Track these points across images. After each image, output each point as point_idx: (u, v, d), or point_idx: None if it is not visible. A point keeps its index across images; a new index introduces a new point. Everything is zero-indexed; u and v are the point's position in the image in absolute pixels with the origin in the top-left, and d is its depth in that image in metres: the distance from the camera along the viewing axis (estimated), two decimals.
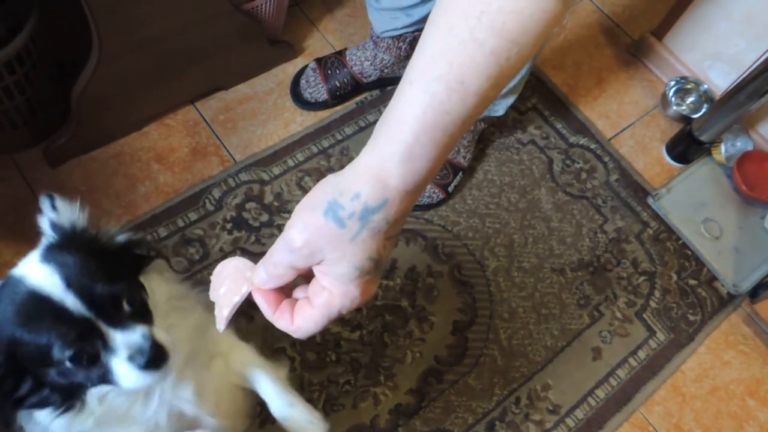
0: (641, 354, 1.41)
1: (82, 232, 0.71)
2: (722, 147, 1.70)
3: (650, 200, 1.62)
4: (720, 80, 1.75)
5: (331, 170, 1.52)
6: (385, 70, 1.56)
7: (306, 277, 0.51)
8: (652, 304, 1.48)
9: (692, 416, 1.36)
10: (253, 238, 1.39)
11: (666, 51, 1.81)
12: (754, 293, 1.52)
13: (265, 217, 1.42)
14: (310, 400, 1.21)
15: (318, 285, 0.49)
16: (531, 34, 0.44)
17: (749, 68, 1.48)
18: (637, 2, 1.96)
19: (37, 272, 0.64)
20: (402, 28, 1.43)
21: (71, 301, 0.62)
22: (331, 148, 1.56)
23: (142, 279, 0.73)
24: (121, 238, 0.74)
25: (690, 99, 1.78)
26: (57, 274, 0.63)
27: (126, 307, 0.66)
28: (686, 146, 1.69)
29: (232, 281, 0.56)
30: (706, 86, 1.76)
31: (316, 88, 1.56)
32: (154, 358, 0.64)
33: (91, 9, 1.14)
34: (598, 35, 1.88)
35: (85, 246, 0.68)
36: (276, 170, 1.49)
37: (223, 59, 1.48)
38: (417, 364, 1.32)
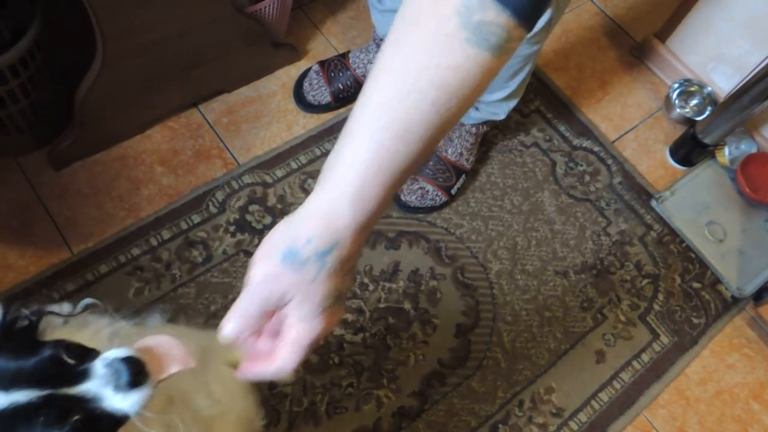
0: (645, 357, 1.41)
1: None
2: (726, 150, 1.70)
3: (654, 203, 1.62)
4: (723, 83, 1.75)
5: None
6: None
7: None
8: (656, 307, 1.48)
9: (696, 419, 1.35)
10: (256, 241, 1.39)
11: (669, 53, 1.80)
12: (758, 296, 1.51)
13: (268, 220, 1.43)
14: (312, 403, 1.21)
15: (286, 324, 0.52)
16: (469, 86, 0.47)
17: (753, 71, 1.48)
18: (640, 4, 1.96)
19: None
20: None
21: (23, 395, 0.51)
22: None
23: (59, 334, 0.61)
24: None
25: (693, 101, 1.78)
26: None
27: (69, 360, 0.56)
28: (690, 149, 1.69)
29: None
30: (709, 89, 1.76)
31: (319, 91, 1.57)
32: (134, 371, 0.55)
33: (94, 12, 1.14)
34: (600, 38, 1.88)
35: None
36: (279, 173, 1.49)
37: (226, 62, 1.48)
38: (420, 366, 1.32)
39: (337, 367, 1.30)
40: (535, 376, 1.35)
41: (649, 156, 1.73)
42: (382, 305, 1.37)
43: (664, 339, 1.44)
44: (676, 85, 1.79)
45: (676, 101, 1.77)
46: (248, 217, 1.42)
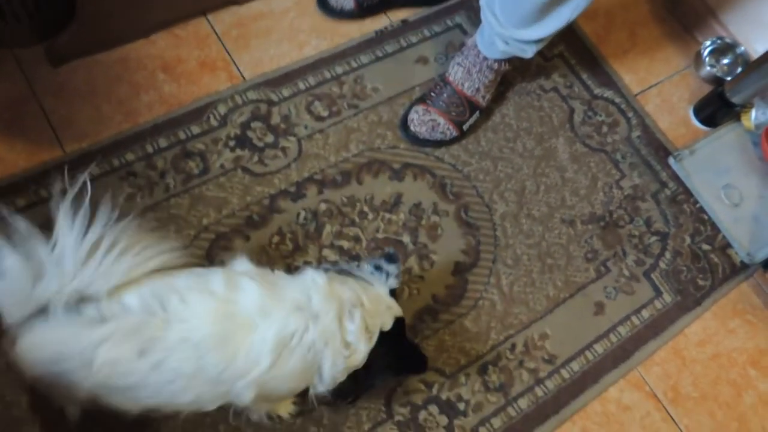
0: (645, 313, 1.37)
1: None
2: (753, 113, 1.62)
3: (671, 160, 1.56)
4: (759, 44, 1.66)
5: (342, 98, 1.45)
6: None
7: None
8: (662, 264, 1.43)
9: (691, 380, 1.32)
10: (256, 158, 1.34)
11: (706, 9, 1.71)
12: None
13: (270, 138, 1.37)
14: None
15: None
16: None
17: None
18: None
19: None
20: None
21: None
22: (345, 75, 1.49)
23: None
24: None
25: (725, 60, 1.70)
26: None
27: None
28: (715, 108, 1.61)
29: None
30: (743, 48, 1.68)
31: None
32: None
33: None
34: None
35: None
36: (285, 92, 1.43)
37: None
38: (413, 300, 1.28)
39: None
40: (530, 321, 1.31)
41: (672, 113, 1.66)
42: (380, 235, 1.33)
43: (667, 297, 1.40)
44: (708, 43, 1.70)
45: (707, 58, 1.69)
46: (249, 134, 1.37)
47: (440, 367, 1.23)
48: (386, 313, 0.96)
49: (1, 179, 1.21)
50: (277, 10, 1.52)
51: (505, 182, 1.45)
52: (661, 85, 1.70)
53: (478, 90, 1.43)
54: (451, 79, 1.43)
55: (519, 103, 1.56)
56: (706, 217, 1.51)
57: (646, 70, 1.70)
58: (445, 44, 1.57)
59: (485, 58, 1.40)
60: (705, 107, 1.64)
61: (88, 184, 0.84)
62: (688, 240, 1.47)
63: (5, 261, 0.78)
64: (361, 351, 0.91)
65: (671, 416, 1.27)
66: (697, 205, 1.52)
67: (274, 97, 1.42)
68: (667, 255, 1.44)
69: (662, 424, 1.26)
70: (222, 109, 1.38)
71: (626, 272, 1.41)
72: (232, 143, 1.35)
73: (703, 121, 1.65)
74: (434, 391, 1.21)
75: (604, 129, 1.58)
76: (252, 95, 1.41)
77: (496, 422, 1.20)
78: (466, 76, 1.43)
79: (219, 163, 1.32)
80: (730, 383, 1.33)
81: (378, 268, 1.01)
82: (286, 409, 1.12)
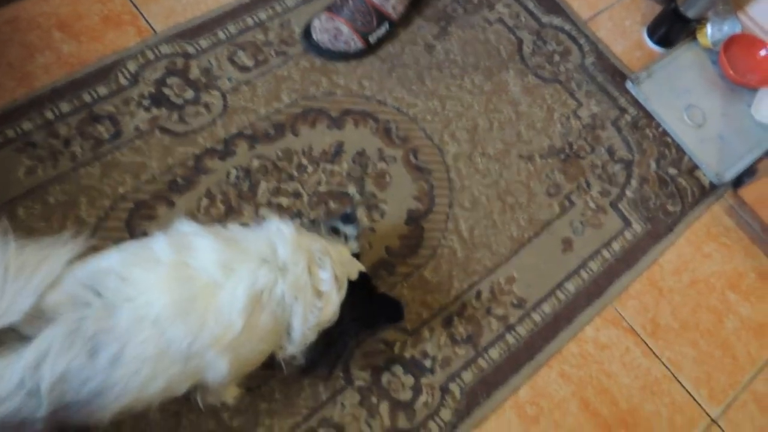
0: (615, 246, 1.27)
1: None
2: (708, 29, 1.53)
3: (629, 84, 1.46)
4: None
5: (269, 45, 1.31)
6: None
7: None
8: (629, 193, 1.34)
9: (669, 310, 1.23)
10: (175, 117, 1.20)
11: None
12: (738, 182, 1.38)
13: (189, 94, 1.23)
14: None
15: None
16: None
17: None
18: None
19: None
20: None
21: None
22: (270, 20, 1.35)
23: None
24: None
25: None
26: None
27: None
28: (669, 26, 1.52)
29: None
30: None
31: None
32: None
33: None
34: None
35: None
36: (204, 43, 1.29)
37: None
38: (366, 255, 1.16)
39: None
40: (495, 266, 1.21)
41: (625, 37, 1.57)
42: (322, 188, 1.20)
43: (637, 227, 1.31)
44: None
45: None
46: (166, 91, 1.22)
47: (401, 324, 1.11)
48: (351, 264, 0.88)
49: None
50: None
51: (455, 121, 1.33)
52: (611, 9, 1.60)
53: (387, 0, 1.31)
54: None
55: (463, 38, 1.44)
56: (670, 140, 1.42)
57: None
58: None
59: None
60: (659, 26, 1.55)
61: None
62: (653, 165, 1.38)
63: None
64: (333, 302, 0.81)
65: (652, 350, 1.19)
66: (660, 129, 1.43)
67: (190, 50, 1.27)
68: (633, 183, 1.35)
69: (643, 360, 1.17)
70: (132, 67, 1.23)
71: (592, 204, 1.31)
72: (146, 102, 1.20)
73: (658, 42, 1.56)
74: (396, 350, 1.09)
75: (556, 58, 1.47)
76: (165, 49, 1.26)
77: (467, 376, 1.10)
78: None
79: (133, 125, 1.17)
80: (710, 310, 1.25)
81: (335, 230, 0.91)
82: (231, 394, 0.99)
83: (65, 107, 1.16)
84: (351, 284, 0.85)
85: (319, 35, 1.29)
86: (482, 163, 1.30)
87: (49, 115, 1.15)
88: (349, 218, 0.94)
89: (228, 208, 1.14)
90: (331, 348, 0.88)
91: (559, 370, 1.14)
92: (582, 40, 1.52)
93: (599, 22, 1.57)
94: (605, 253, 1.26)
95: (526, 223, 1.26)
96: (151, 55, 1.25)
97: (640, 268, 1.26)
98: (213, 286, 0.74)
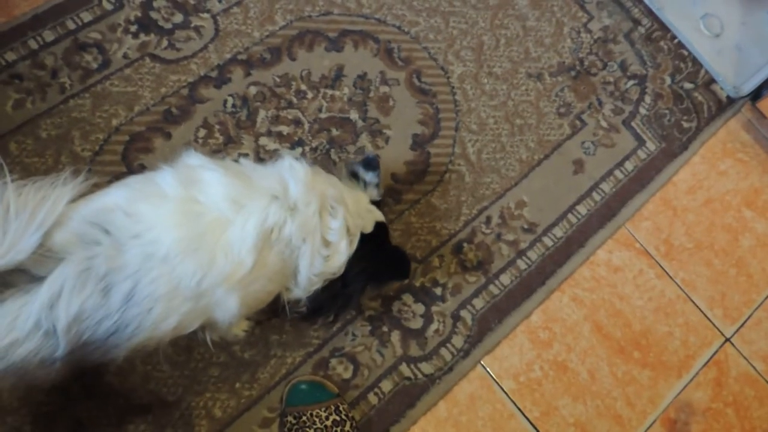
0: (628, 165, 1.23)
1: None
2: None
3: None
4: None
5: None
6: None
7: None
8: (642, 110, 1.28)
9: (683, 230, 1.20)
10: (165, 43, 1.13)
11: None
12: (757, 94, 1.32)
13: (178, 18, 1.16)
14: None
15: None
16: None
17: None
18: None
19: None
20: None
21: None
22: None
23: None
24: None
25: None
26: None
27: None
28: None
29: None
30: None
31: None
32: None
33: None
34: None
35: None
36: None
37: None
38: None
39: None
40: (504, 190, 1.17)
41: None
42: (323, 115, 1.15)
43: (651, 145, 1.26)
44: None
45: None
46: (153, 15, 1.15)
47: (410, 252, 1.09)
48: (367, 215, 0.84)
49: None
50: None
51: (459, 40, 1.26)
52: None
53: None
54: None
55: None
56: (685, 52, 1.35)
57: None
58: None
59: None
60: None
61: None
62: (668, 80, 1.32)
63: None
64: (341, 253, 0.79)
65: (666, 271, 1.17)
66: (675, 41, 1.36)
67: None
68: (647, 99, 1.29)
69: (657, 281, 1.15)
70: None
71: (604, 123, 1.26)
72: (133, 28, 1.14)
73: None
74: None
75: None
76: None
77: (478, 303, 1.08)
78: None
79: (121, 53, 1.11)
80: (725, 228, 1.22)
81: (354, 175, 0.88)
82: (242, 327, 0.98)
83: (49, 35, 1.10)
84: (364, 237, 0.82)
85: None
86: (489, 84, 1.24)
87: (33, 44, 1.09)
88: (370, 164, 0.89)
89: (227, 139, 1.10)
90: (335, 299, 0.86)
91: (572, 295, 1.12)
92: None
93: None
94: (618, 174, 1.23)
95: (536, 144, 1.22)
96: None
97: (653, 188, 1.23)
98: (222, 221, 0.71)
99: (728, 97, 1.33)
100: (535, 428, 1.03)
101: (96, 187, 0.72)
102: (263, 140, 1.11)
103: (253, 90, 1.14)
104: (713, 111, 1.32)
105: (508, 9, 1.31)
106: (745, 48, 1.38)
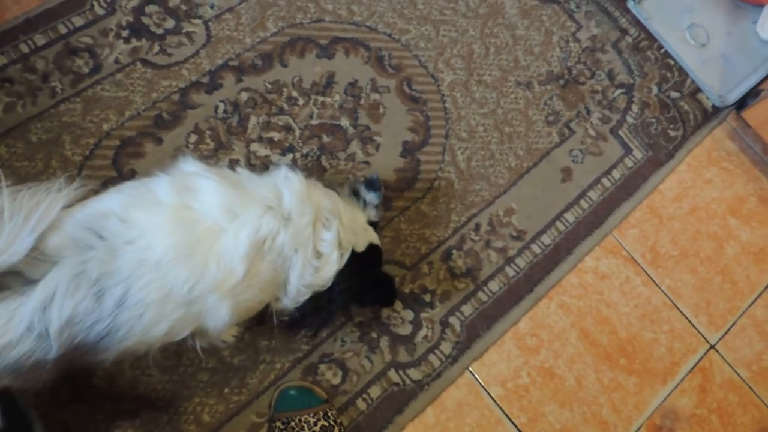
0: (615, 174, 1.25)
1: None
2: None
3: (630, 4, 1.40)
4: None
5: None
6: None
7: None
8: (629, 119, 1.30)
9: (669, 238, 1.22)
10: (157, 48, 1.14)
11: None
12: (742, 104, 1.35)
13: (170, 23, 1.16)
14: None
15: None
16: None
17: None
18: None
19: None
20: None
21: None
22: None
23: None
24: None
25: None
26: None
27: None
28: None
29: None
30: None
31: None
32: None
33: None
34: None
35: None
36: None
37: None
38: None
39: None
40: (493, 197, 1.18)
41: None
42: (314, 122, 1.16)
43: (638, 154, 1.28)
44: None
45: None
46: (145, 20, 1.16)
47: (399, 260, 1.10)
48: (362, 234, 0.85)
49: None
50: None
51: (450, 48, 1.28)
52: None
53: None
54: None
55: None
56: (672, 62, 1.37)
57: None
58: None
59: None
60: None
61: None
62: (655, 89, 1.34)
63: None
64: (331, 265, 0.80)
65: (652, 278, 1.18)
66: (662, 50, 1.38)
67: None
68: (634, 108, 1.31)
69: (643, 288, 1.17)
70: None
71: (592, 132, 1.27)
72: (125, 33, 1.14)
73: None
74: (395, 284, 1.08)
75: None
76: None
77: (467, 309, 1.09)
78: None
79: (113, 58, 1.12)
80: (710, 236, 1.24)
81: (355, 193, 0.89)
82: (231, 333, 0.99)
83: (40, 39, 1.10)
84: (355, 255, 0.83)
85: None
86: (479, 92, 1.26)
87: (24, 48, 1.09)
88: (373, 184, 0.91)
89: (218, 145, 1.10)
90: (318, 312, 0.87)
91: (559, 302, 1.13)
92: None
93: None
94: (605, 182, 1.24)
95: (525, 152, 1.23)
96: None
97: (640, 196, 1.24)
98: (216, 230, 0.72)
99: (714, 106, 1.35)
100: None
101: (89, 193, 0.73)
102: (254, 146, 1.11)
103: (244, 96, 1.14)
104: (699, 120, 1.33)
105: (498, 18, 1.33)
106: (730, 58, 1.40)
